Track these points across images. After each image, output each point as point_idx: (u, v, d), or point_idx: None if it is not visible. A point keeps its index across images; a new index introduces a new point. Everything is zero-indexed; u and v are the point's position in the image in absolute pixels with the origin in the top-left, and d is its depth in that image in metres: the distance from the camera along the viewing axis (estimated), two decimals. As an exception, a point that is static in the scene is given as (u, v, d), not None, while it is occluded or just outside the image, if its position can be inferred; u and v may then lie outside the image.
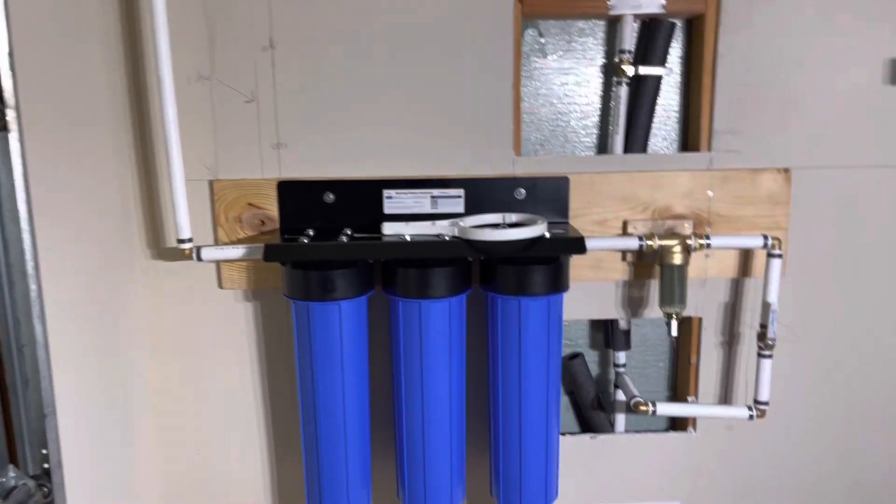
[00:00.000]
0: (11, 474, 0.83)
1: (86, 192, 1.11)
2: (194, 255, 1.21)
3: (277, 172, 1.27)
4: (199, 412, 1.36)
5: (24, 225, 0.78)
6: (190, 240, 1.21)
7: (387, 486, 1.38)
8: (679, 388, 1.45)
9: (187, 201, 1.20)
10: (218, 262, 1.29)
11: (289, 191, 1.27)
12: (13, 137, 0.77)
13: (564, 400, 1.48)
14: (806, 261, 1.33)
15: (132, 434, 1.27)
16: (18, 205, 0.76)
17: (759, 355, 1.29)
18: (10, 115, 0.77)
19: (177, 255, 1.29)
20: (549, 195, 1.28)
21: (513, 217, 1.24)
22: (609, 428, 1.44)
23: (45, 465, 0.86)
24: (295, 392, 1.34)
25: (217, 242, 1.28)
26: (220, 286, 1.31)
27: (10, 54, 0.79)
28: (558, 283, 1.19)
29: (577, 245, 1.16)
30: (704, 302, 1.34)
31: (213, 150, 1.26)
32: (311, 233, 1.23)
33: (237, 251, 1.23)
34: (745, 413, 1.30)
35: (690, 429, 1.41)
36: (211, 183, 1.27)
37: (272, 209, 1.27)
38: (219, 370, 1.34)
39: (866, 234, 1.33)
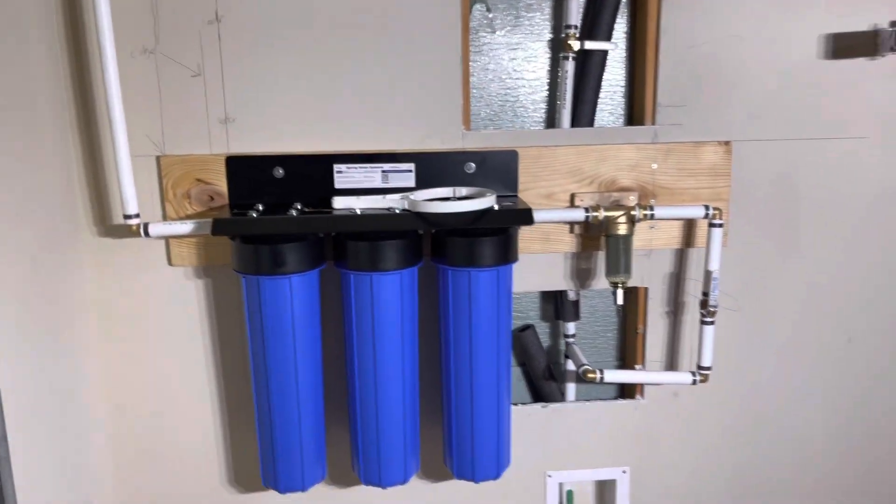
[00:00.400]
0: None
1: (25, 170, 1.09)
2: (141, 231, 1.20)
3: (226, 147, 1.26)
4: (149, 388, 1.35)
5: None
6: (137, 215, 1.19)
7: (341, 458, 1.39)
8: (627, 357, 1.49)
9: (134, 177, 1.19)
10: (167, 239, 1.28)
11: (237, 166, 1.26)
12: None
13: (516, 371, 1.51)
14: (746, 231, 1.37)
15: (81, 410, 1.26)
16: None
17: (702, 322, 1.33)
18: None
19: (124, 232, 1.27)
20: (498, 169, 1.29)
21: (463, 190, 1.26)
22: (560, 397, 1.48)
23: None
24: (247, 366, 1.34)
25: (165, 219, 1.27)
26: (170, 263, 1.30)
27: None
28: (507, 254, 1.21)
29: (525, 216, 1.18)
30: (650, 272, 1.38)
31: (159, 126, 1.24)
32: (260, 207, 1.23)
33: (186, 226, 1.22)
34: (689, 378, 1.35)
35: (638, 396, 1.45)
36: (158, 159, 1.25)
37: (221, 184, 1.26)
38: (170, 346, 1.34)
39: (804, 205, 1.37)
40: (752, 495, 1.51)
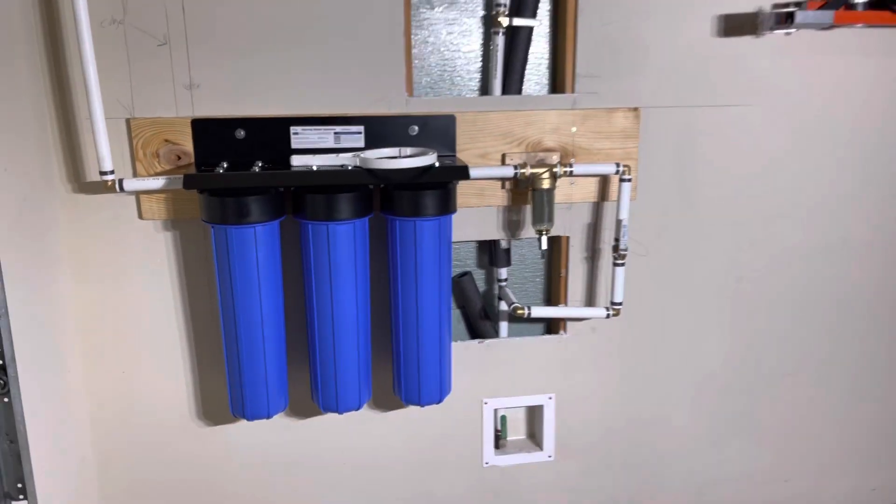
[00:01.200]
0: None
1: (7, 133, 1.20)
2: (117, 187, 1.32)
3: (191, 111, 1.39)
4: (123, 332, 1.48)
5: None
6: (112, 172, 1.31)
7: (302, 392, 1.55)
8: (552, 297, 1.70)
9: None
10: (138, 194, 1.40)
11: (203, 128, 1.39)
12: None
13: (456, 313, 1.69)
14: (652, 186, 1.58)
15: (59, 353, 1.38)
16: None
17: (614, 265, 1.54)
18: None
19: (97, 188, 1.39)
20: (438, 131, 1.46)
21: (407, 150, 1.42)
22: (494, 334, 1.67)
23: (1, 361, 0.98)
24: (213, 312, 1.49)
25: (136, 176, 1.39)
26: (140, 217, 1.42)
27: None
28: (447, 205, 1.39)
29: (463, 172, 1.36)
30: (571, 223, 1.58)
31: (128, 91, 1.36)
32: (225, 165, 1.36)
33: (158, 182, 1.35)
34: (603, 313, 1.56)
35: (562, 332, 1.66)
36: (128, 121, 1.37)
37: (187, 145, 1.39)
38: (141, 293, 1.47)
39: (700, 163, 1.60)
40: (656, 418, 1.76)
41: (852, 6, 1.46)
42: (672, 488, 1.83)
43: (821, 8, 1.44)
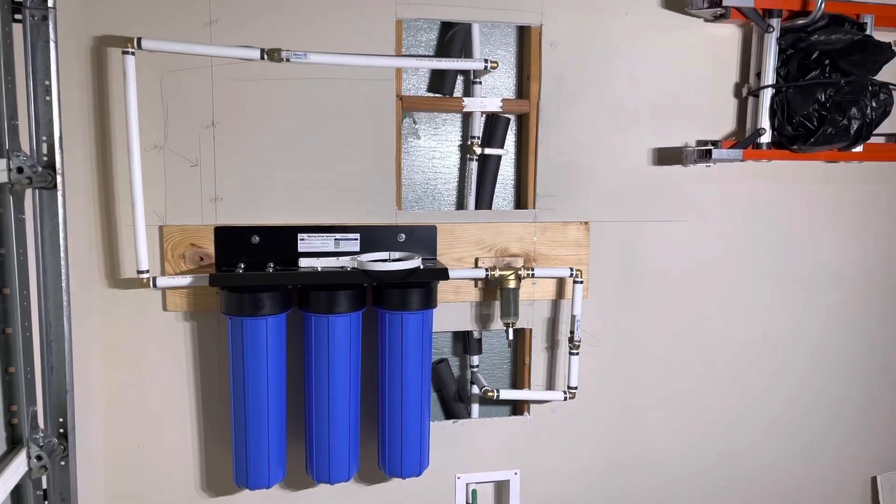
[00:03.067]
0: (41, 434, 1.15)
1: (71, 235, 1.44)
2: (151, 283, 1.56)
3: (214, 220, 1.65)
4: (142, 409, 1.67)
5: (62, 254, 1.13)
6: (147, 270, 1.55)
7: (296, 466, 1.75)
8: (518, 382, 1.94)
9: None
10: (164, 289, 1.64)
11: (223, 234, 1.65)
12: (59, 194, 1.13)
13: (434, 396, 1.92)
14: (601, 286, 1.87)
15: (90, 423, 1.57)
16: (61, 252, 1.12)
17: (570, 354, 1.80)
18: (59, 180, 1.13)
19: (128, 284, 1.62)
20: (422, 239, 1.74)
21: (396, 254, 1.69)
22: (467, 415, 1.90)
23: (62, 430, 1.19)
24: (221, 393, 1.70)
25: (164, 274, 1.63)
26: (165, 308, 1.65)
27: (61, 139, 1.15)
28: (429, 301, 1.65)
29: (443, 273, 1.63)
30: (533, 317, 1.85)
31: (163, 203, 1.62)
32: (242, 266, 1.61)
33: (185, 280, 1.59)
34: (561, 396, 1.81)
35: (526, 413, 1.90)
36: (161, 228, 1.62)
37: (209, 248, 1.64)
38: (161, 374, 1.67)
39: (640, 267, 1.89)
40: (611, 490, 1.97)
41: (758, 146, 1.81)
42: (626, 559, 2.03)
43: (733, 147, 1.78)
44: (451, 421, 1.87)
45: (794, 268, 1.99)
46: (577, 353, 1.80)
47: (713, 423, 2.01)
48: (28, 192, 1.13)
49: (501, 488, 1.94)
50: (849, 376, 2.08)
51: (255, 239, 1.66)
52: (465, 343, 1.90)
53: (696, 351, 1.96)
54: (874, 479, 2.14)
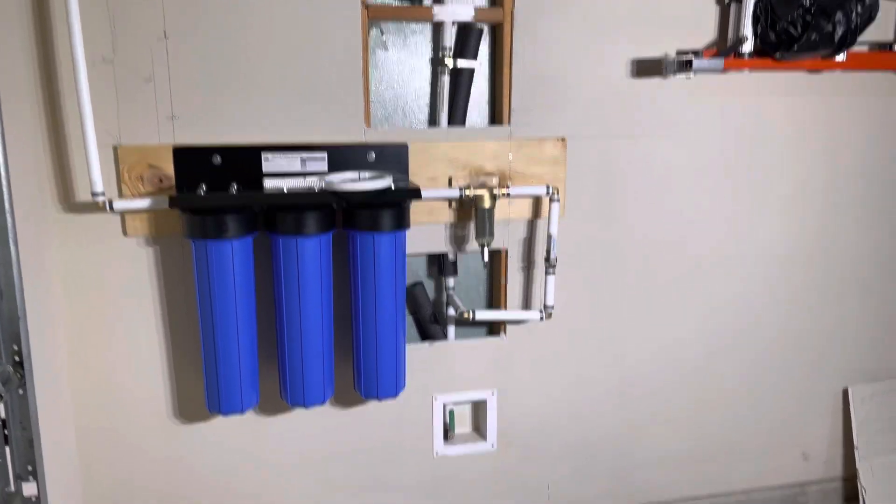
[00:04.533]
0: (-5, 363, 1.10)
1: (13, 157, 1.35)
2: (106, 206, 1.48)
3: (172, 139, 1.56)
4: (107, 338, 1.62)
5: (2, 174, 1.05)
6: (102, 193, 1.47)
7: (273, 389, 1.72)
8: (494, 303, 1.92)
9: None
10: (123, 213, 1.56)
11: (182, 155, 1.56)
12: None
13: (409, 319, 1.89)
14: (578, 205, 1.83)
15: (53, 358, 1.52)
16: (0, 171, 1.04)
17: (546, 273, 1.77)
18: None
19: (85, 208, 1.54)
20: (393, 158, 1.67)
21: (366, 174, 1.62)
22: (443, 337, 1.88)
23: (17, 358, 1.14)
24: (189, 319, 1.65)
25: (122, 197, 1.55)
26: (125, 233, 1.58)
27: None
28: (402, 222, 1.59)
29: (415, 193, 1.57)
30: (508, 238, 1.81)
31: (116, 121, 1.52)
32: (203, 187, 1.54)
33: (144, 202, 1.51)
34: (537, 315, 1.79)
35: (502, 334, 1.88)
36: (115, 148, 1.53)
37: (169, 169, 1.56)
38: (125, 301, 1.62)
39: (618, 183, 1.85)
40: (588, 410, 1.99)
41: (740, 55, 1.74)
42: (602, 473, 2.06)
43: (714, 56, 1.71)
44: (427, 343, 1.85)
45: (773, 181, 1.96)
46: (554, 273, 1.77)
47: (688, 338, 2.01)
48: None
49: (479, 408, 1.94)
50: (821, 288, 2.08)
51: (217, 159, 1.57)
52: (439, 265, 1.86)
53: (672, 267, 1.94)
54: (846, 391, 2.18)
